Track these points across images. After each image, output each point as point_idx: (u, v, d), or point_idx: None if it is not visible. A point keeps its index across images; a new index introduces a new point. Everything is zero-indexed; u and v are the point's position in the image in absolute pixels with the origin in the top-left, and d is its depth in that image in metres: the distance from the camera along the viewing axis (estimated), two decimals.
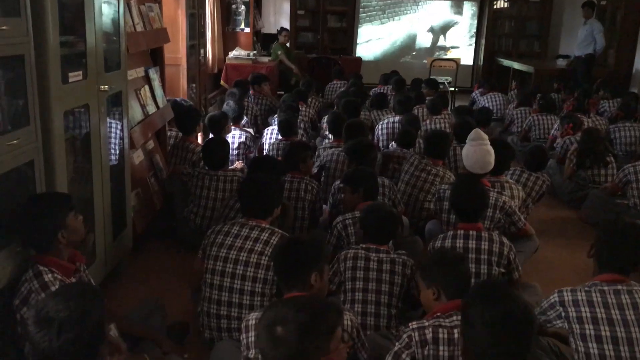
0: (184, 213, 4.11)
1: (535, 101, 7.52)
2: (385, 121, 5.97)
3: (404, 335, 2.13)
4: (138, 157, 4.22)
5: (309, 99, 7.38)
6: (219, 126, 5.00)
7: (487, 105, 8.28)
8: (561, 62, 10.47)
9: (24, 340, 2.31)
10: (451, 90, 9.75)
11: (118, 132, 3.58)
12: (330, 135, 5.51)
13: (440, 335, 2.10)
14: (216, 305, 2.79)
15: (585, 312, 2.28)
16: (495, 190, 3.69)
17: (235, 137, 5.43)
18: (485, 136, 3.85)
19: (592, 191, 5.12)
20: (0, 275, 2.26)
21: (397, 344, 2.13)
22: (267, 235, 2.81)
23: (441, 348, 2.09)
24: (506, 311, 1.69)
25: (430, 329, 2.11)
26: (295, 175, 4.01)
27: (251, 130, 6.10)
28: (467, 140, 3.90)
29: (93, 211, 3.15)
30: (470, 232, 2.98)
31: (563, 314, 2.33)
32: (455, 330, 2.10)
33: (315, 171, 4.81)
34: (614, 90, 8.22)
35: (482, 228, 3.06)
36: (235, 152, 5.38)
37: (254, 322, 2.16)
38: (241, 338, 2.20)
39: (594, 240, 2.51)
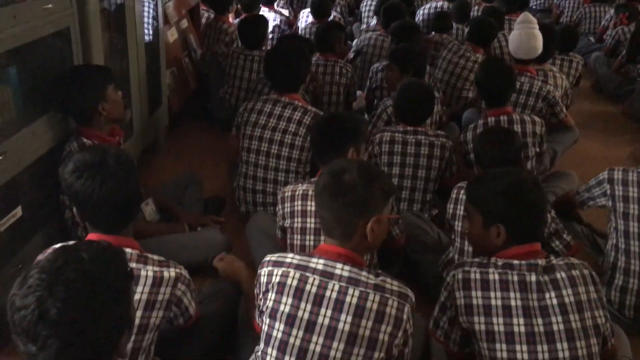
0: (219, 93, 4.10)
1: None
2: (428, 5, 5.70)
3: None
4: (172, 35, 4.15)
5: None
6: (254, 5, 4.85)
7: None
8: None
9: (65, 207, 2.41)
10: None
11: (151, 7, 3.51)
12: (371, 20, 5.34)
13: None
14: (252, 181, 2.85)
15: (633, 192, 2.28)
16: (540, 78, 3.55)
17: (269, 20, 5.27)
18: (534, 20, 3.64)
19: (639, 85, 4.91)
20: (40, 141, 2.31)
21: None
22: (300, 114, 2.79)
23: None
24: (518, 179, 1.74)
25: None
26: (329, 58, 3.91)
27: (286, 12, 5.91)
28: (515, 24, 3.71)
29: (129, 87, 3.15)
30: (501, 118, 2.91)
31: (609, 192, 2.34)
32: None
33: (352, 57, 4.70)
34: None
35: (512, 111, 2.97)
36: (269, 35, 5.25)
37: (289, 194, 2.19)
38: (277, 209, 2.25)
39: None
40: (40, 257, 1.65)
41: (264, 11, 5.27)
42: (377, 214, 1.57)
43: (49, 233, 2.38)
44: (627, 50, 5.14)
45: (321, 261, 1.55)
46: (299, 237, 2.16)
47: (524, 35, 3.57)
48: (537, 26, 3.62)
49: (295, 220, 2.16)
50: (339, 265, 1.54)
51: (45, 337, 1.00)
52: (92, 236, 1.68)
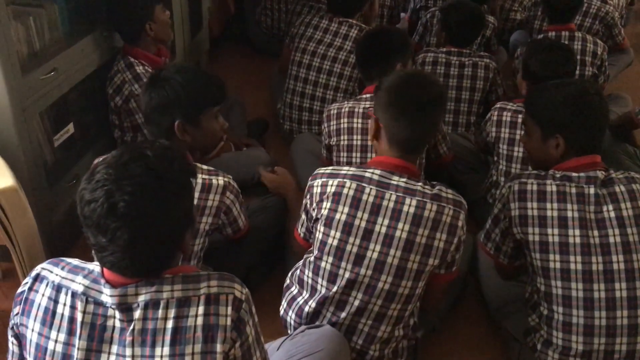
0: (255, 16, 4.04)
1: None
2: None
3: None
4: None
5: None
6: None
7: None
8: None
9: (115, 127, 2.45)
10: None
11: None
12: None
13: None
14: (299, 98, 2.83)
15: None
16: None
17: None
18: None
19: None
20: (88, 59, 2.32)
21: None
22: (356, 32, 2.76)
23: None
24: (581, 87, 1.68)
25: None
26: None
27: None
28: None
29: (172, 9, 3.12)
30: (563, 33, 2.81)
31: None
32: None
33: None
34: None
35: (575, 29, 2.85)
36: None
37: (335, 111, 2.18)
38: (323, 127, 2.24)
39: None
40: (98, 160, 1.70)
41: None
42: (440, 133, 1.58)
43: (100, 151, 2.42)
44: None
45: (377, 172, 1.55)
46: (345, 154, 2.16)
47: None
48: None
49: (342, 137, 2.16)
50: (396, 177, 1.54)
51: (115, 229, 1.03)
52: None
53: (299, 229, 1.73)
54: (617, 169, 1.72)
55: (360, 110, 2.12)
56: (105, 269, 1.11)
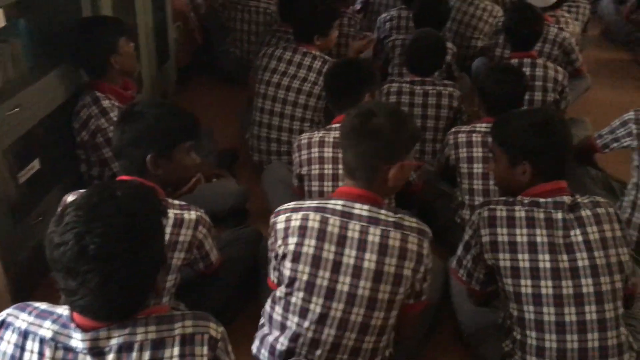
0: (224, 46, 4.07)
1: None
2: None
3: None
4: None
5: None
6: None
7: None
8: None
9: (81, 161, 2.41)
10: None
11: None
12: None
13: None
14: (267, 129, 2.84)
15: None
16: (557, 25, 3.49)
17: None
18: None
19: None
20: (53, 94, 2.29)
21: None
22: (319, 64, 2.78)
23: None
24: (544, 115, 1.74)
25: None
26: (338, 9, 3.82)
27: None
28: None
29: (137, 41, 3.11)
30: (525, 60, 2.89)
31: (635, 131, 2.33)
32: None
33: (359, 7, 4.63)
34: None
35: (537, 56, 2.95)
36: None
37: (305, 141, 2.19)
38: (293, 157, 2.25)
39: None
40: (68, 198, 1.68)
41: None
42: (401, 159, 1.57)
43: (67, 186, 2.38)
44: None
45: (340, 202, 1.55)
46: (316, 183, 2.17)
47: None
48: None
49: (313, 167, 2.17)
50: (358, 205, 1.54)
51: (85, 273, 1.01)
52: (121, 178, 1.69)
53: (271, 276, 1.70)
54: (581, 192, 1.77)
55: (331, 140, 2.14)
56: (75, 313, 1.08)
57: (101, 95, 2.34)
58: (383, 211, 1.54)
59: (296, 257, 1.54)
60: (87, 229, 1.01)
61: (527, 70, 2.84)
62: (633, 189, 2.31)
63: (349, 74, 2.20)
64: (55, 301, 1.17)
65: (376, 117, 1.55)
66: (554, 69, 2.90)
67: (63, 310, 1.11)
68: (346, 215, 1.53)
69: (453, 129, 2.38)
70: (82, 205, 1.05)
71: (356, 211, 1.53)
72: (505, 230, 1.65)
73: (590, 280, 1.58)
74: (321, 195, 2.14)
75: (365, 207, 1.54)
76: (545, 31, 3.37)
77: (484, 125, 2.30)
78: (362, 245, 1.51)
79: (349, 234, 1.52)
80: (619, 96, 4.29)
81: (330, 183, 2.14)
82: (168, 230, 1.63)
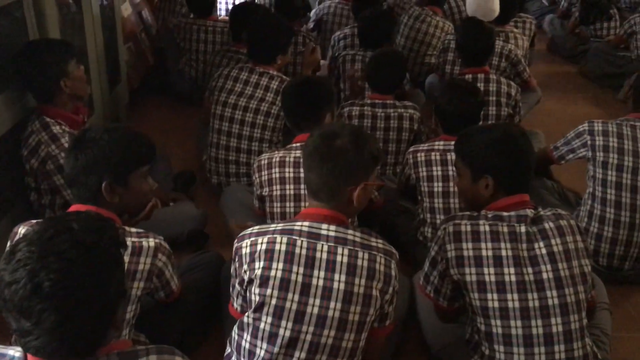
0: (179, 66, 4.01)
1: None
2: None
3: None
4: (126, 9, 3.99)
5: None
6: None
7: None
8: None
9: (31, 190, 2.31)
10: None
11: None
12: None
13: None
14: (224, 151, 2.79)
15: (613, 141, 2.34)
16: (501, 39, 3.58)
17: None
18: None
19: (594, 45, 5.01)
20: (0, 120, 2.20)
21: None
22: (277, 83, 2.76)
23: None
24: (504, 130, 1.75)
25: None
26: (294, 27, 3.82)
27: None
28: None
29: (88, 63, 3.03)
30: (478, 76, 2.94)
31: (589, 142, 2.39)
32: (450, 153, 2.19)
33: (312, 26, 4.64)
34: None
35: (490, 71, 3.00)
36: None
37: (266, 161, 2.16)
38: (254, 178, 2.21)
39: (633, 81, 2.50)
40: (19, 229, 1.60)
41: None
42: (364, 180, 1.56)
43: (17, 216, 2.28)
44: (580, 12, 5.23)
45: (306, 223, 1.53)
46: (278, 204, 2.13)
47: None
48: None
49: (274, 187, 2.13)
50: (325, 226, 1.52)
51: (40, 311, 0.95)
52: (74, 208, 1.61)
53: (234, 304, 1.65)
54: (538, 203, 1.80)
55: (292, 160, 2.12)
56: (29, 355, 1.02)
57: (51, 121, 2.25)
58: (350, 231, 1.53)
59: (264, 282, 1.50)
60: (41, 265, 0.95)
61: (480, 86, 2.89)
62: (589, 199, 2.36)
63: (307, 93, 2.17)
64: (5, 341, 1.10)
65: (340, 139, 1.54)
66: (506, 84, 2.96)
67: (15, 352, 1.04)
68: (313, 236, 1.51)
69: (412, 148, 2.40)
70: (35, 240, 0.99)
71: (323, 232, 1.51)
72: (470, 245, 1.66)
73: (555, 292, 1.59)
74: (284, 216, 2.10)
75: (332, 227, 1.52)
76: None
77: (442, 143, 2.32)
78: (330, 265, 1.49)
79: (317, 255, 1.49)
80: (568, 107, 4.43)
81: (292, 204, 2.11)
82: (126, 259, 1.56)
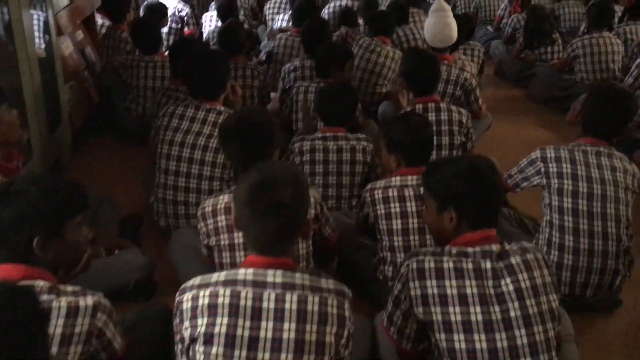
0: (125, 104, 3.89)
1: None
2: (333, 4, 5.67)
3: None
4: (67, 47, 3.86)
5: None
6: (157, 13, 4.68)
7: None
8: None
9: None
10: None
11: (42, 19, 3.23)
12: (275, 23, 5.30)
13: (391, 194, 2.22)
14: (172, 192, 2.67)
15: (567, 168, 2.31)
16: (458, 66, 3.59)
17: (176, 9, 5.27)
18: (448, 7, 3.68)
19: (540, 69, 5.12)
20: None
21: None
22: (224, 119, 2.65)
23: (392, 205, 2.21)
24: (473, 163, 1.70)
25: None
26: (239, 61, 3.77)
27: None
28: (429, 12, 3.74)
29: (24, 105, 2.88)
30: (429, 105, 2.91)
31: (543, 170, 2.36)
32: (407, 189, 2.20)
33: (263, 59, 4.60)
34: None
35: (439, 100, 2.98)
36: (173, 24, 5.25)
37: (210, 209, 2.02)
38: (199, 227, 2.07)
39: (582, 104, 2.48)
40: None
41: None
42: (306, 220, 1.50)
43: None
44: (524, 37, 5.35)
45: (250, 271, 1.43)
46: (227, 254, 2.00)
47: (439, 23, 3.58)
48: (451, 14, 3.65)
49: (222, 237, 2.00)
50: (271, 272, 1.43)
51: None
52: (2, 268, 1.46)
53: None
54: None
55: None
56: None
57: None
58: (298, 274, 1.44)
59: (208, 339, 1.39)
60: None
61: (432, 115, 2.87)
62: (547, 227, 2.34)
63: (248, 132, 2.03)
64: None
65: (282, 189, 1.45)
66: (457, 112, 2.94)
67: None
68: (259, 285, 1.41)
69: (369, 186, 2.32)
70: None
71: (269, 279, 1.42)
72: (434, 282, 1.59)
73: (523, 331, 1.53)
74: (234, 267, 1.98)
75: (279, 273, 1.43)
76: (447, 72, 3.46)
77: (398, 179, 2.26)
78: (279, 314, 1.40)
79: (264, 304, 1.40)
80: (519, 131, 4.48)
81: (242, 253, 1.98)
82: (61, 322, 1.42)
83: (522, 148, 4.09)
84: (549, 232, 2.31)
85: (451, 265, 1.59)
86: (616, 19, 5.50)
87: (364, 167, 2.75)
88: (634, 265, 2.38)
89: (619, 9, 5.71)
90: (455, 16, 4.17)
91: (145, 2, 5.02)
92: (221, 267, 2.01)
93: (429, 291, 1.58)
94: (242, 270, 1.44)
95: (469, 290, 1.56)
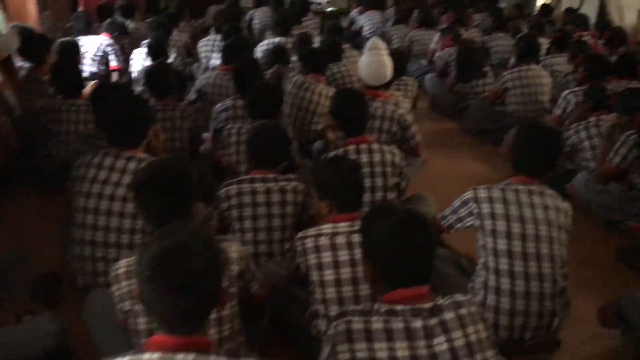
0: (46, 150, 3.69)
1: (412, 17, 7.52)
2: (265, 42, 5.63)
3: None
4: None
5: (182, 23, 6.88)
6: (71, 51, 4.53)
7: (365, 24, 8.13)
8: None
9: None
10: (329, 11, 9.57)
11: None
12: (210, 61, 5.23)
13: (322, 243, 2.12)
14: (90, 247, 2.49)
15: (499, 208, 2.27)
16: (392, 102, 3.55)
17: (101, 44, 5.24)
18: (383, 45, 3.65)
19: (472, 101, 5.19)
20: None
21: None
22: None
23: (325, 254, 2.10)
24: (403, 216, 1.61)
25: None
26: (167, 102, 3.63)
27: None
28: (364, 50, 3.72)
29: None
30: (361, 147, 2.84)
31: (476, 211, 2.32)
32: (339, 237, 2.11)
33: (193, 98, 4.47)
34: (485, 4, 8.40)
35: (371, 140, 2.93)
36: (96, 65, 5.17)
37: (124, 270, 1.84)
38: (112, 290, 1.88)
39: (512, 142, 2.46)
40: None
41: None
42: (222, 289, 1.39)
43: None
44: (456, 71, 5.44)
45: (155, 357, 1.27)
46: (143, 320, 1.82)
47: (373, 62, 3.56)
48: (385, 52, 3.64)
49: (137, 301, 1.83)
50: (180, 357, 1.27)
51: None
52: None
53: None
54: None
55: None
56: None
57: None
58: (212, 357, 1.29)
59: None
60: None
61: (365, 157, 2.80)
62: (482, 269, 2.28)
63: (164, 186, 1.87)
64: None
65: (187, 260, 1.30)
66: (390, 152, 2.88)
67: None
68: None
69: (299, 235, 2.21)
70: None
71: None
72: (364, 345, 1.50)
73: None
74: (150, 333, 1.81)
75: (190, 357, 1.27)
76: (382, 109, 3.42)
77: (330, 226, 2.16)
78: None
79: None
80: (454, 165, 4.51)
81: None
82: None
83: (459, 182, 4.10)
84: (485, 275, 2.26)
85: (380, 325, 1.50)
86: (544, 52, 5.69)
87: (295, 208, 2.64)
88: (571, 306, 2.36)
89: (545, 42, 5.91)
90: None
91: (58, 41, 4.84)
92: (137, 335, 1.83)
93: (359, 355, 1.49)
94: (146, 356, 1.28)
95: (399, 353, 1.47)
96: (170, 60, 4.94)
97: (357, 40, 7.19)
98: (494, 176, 2.74)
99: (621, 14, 7.17)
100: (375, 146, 2.87)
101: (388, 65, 3.59)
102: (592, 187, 3.51)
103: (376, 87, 3.59)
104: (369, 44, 3.70)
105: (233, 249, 1.93)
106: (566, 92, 4.26)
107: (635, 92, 3.57)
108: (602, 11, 7.54)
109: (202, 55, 5.84)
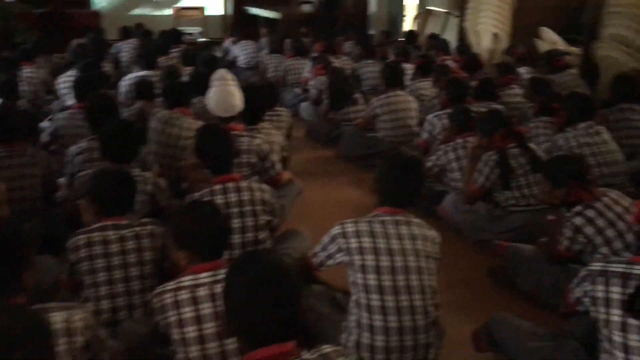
0: None
1: (286, 46, 7.55)
2: (129, 76, 5.37)
3: None
4: None
5: (41, 59, 6.44)
6: None
7: (240, 54, 8.06)
8: (306, 7, 10.67)
9: None
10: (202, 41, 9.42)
11: None
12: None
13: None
14: None
15: (367, 242, 2.22)
16: (247, 134, 3.44)
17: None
18: (231, 77, 3.57)
19: (346, 128, 5.24)
20: None
21: None
22: None
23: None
24: (261, 271, 1.48)
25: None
26: (14, 148, 3.28)
27: None
28: (211, 81, 3.61)
29: None
30: (228, 185, 2.69)
31: (344, 246, 2.25)
32: (200, 289, 1.96)
33: (48, 140, 4.11)
34: (354, 32, 8.63)
35: (239, 178, 2.79)
36: None
37: None
38: None
39: (375, 173, 2.42)
40: None
41: None
42: None
43: None
44: (328, 99, 5.48)
45: None
46: None
47: (220, 92, 3.47)
48: (233, 83, 3.55)
49: None
50: None
51: None
52: None
53: None
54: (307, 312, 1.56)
55: None
56: None
57: None
58: None
59: None
60: None
61: (233, 196, 2.65)
62: (355, 307, 2.20)
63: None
64: None
65: (8, 351, 1.15)
66: (259, 189, 2.75)
67: None
68: None
69: (157, 290, 2.03)
70: None
71: None
72: None
73: None
74: None
75: None
76: (240, 142, 3.29)
77: (190, 277, 2.00)
78: None
79: None
80: (331, 192, 4.49)
81: None
82: None
83: (337, 210, 4.07)
84: (358, 313, 2.18)
85: None
86: (410, 77, 5.89)
87: (154, 254, 2.45)
88: (446, 332, 2.34)
89: (410, 67, 6.11)
90: (258, 86, 4.11)
91: None
92: None
93: None
94: None
95: None
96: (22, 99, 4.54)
97: (232, 71, 7.07)
98: (370, 202, 2.68)
99: (477, 38, 7.61)
100: (243, 184, 2.73)
101: (236, 96, 3.52)
102: (460, 207, 3.61)
103: (228, 119, 3.48)
104: (216, 74, 3.61)
105: (77, 317, 1.72)
106: (431, 115, 4.40)
107: (493, 114, 3.74)
108: (461, 36, 7.99)
109: (62, 92, 5.44)
